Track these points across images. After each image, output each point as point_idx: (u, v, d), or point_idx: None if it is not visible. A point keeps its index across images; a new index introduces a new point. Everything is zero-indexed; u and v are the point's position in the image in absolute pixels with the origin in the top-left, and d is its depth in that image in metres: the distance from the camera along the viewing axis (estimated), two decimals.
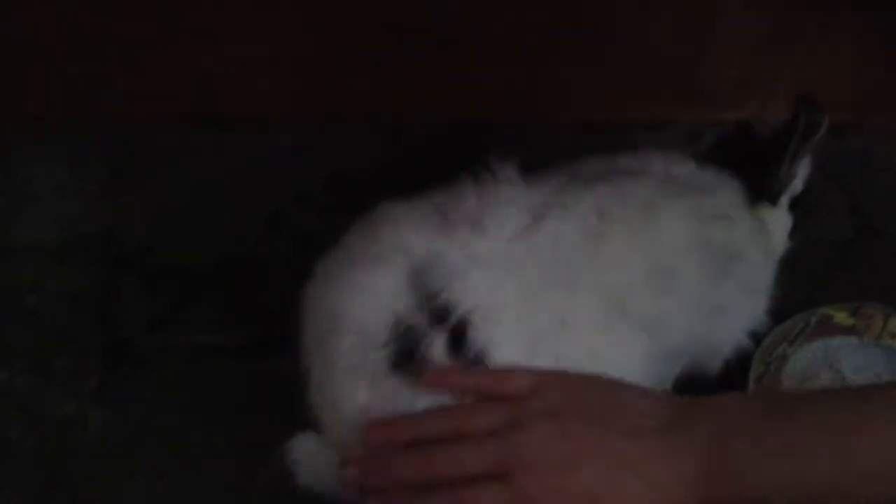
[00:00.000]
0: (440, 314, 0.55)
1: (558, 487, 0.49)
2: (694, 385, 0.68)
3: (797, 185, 0.68)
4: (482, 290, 0.56)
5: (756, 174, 0.65)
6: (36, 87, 0.91)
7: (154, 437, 0.73)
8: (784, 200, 0.68)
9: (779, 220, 0.69)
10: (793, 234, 0.70)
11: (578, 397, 0.53)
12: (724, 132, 0.68)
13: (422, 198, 0.62)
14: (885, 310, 0.83)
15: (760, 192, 0.65)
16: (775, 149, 0.64)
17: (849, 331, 0.83)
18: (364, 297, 0.57)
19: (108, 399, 0.75)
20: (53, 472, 0.71)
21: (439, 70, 0.90)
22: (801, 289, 0.75)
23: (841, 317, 0.83)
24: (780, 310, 0.71)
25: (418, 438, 0.54)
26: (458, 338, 0.55)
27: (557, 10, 0.85)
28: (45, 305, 0.81)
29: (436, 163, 0.62)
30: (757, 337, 0.70)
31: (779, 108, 0.93)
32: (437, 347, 0.55)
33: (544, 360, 0.56)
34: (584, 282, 0.58)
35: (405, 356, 0.55)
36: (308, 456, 0.59)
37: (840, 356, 0.81)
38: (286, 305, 0.61)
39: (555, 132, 0.90)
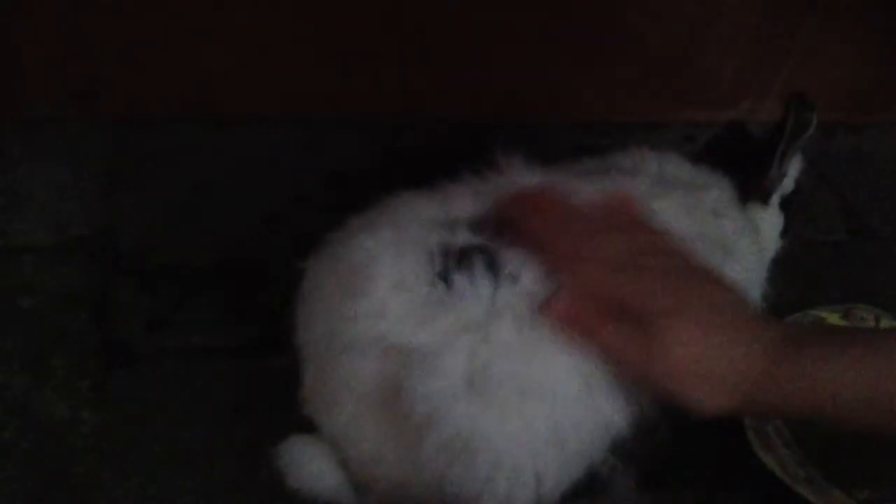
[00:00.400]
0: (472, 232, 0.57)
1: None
2: None
3: (788, 184, 0.69)
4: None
5: (748, 173, 0.66)
6: (34, 86, 0.90)
7: (151, 438, 0.73)
8: (775, 199, 0.68)
9: (770, 219, 0.69)
10: (784, 232, 0.71)
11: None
12: (718, 132, 0.68)
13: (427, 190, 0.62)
14: (875, 311, 0.83)
15: (752, 190, 0.66)
16: (766, 148, 0.65)
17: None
18: (394, 240, 0.57)
19: (105, 400, 0.75)
20: (50, 474, 0.70)
21: (438, 70, 0.90)
22: (793, 289, 0.75)
23: (833, 318, 0.83)
24: (773, 311, 0.71)
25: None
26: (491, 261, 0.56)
27: (555, 12, 0.85)
28: (41, 306, 0.81)
29: (435, 162, 0.62)
30: None
31: (773, 109, 0.95)
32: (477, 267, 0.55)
33: None
34: None
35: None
36: (303, 458, 0.59)
37: None
38: (285, 305, 0.61)
39: (552, 132, 0.90)
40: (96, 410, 0.74)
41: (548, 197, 0.59)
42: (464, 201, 0.60)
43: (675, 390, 0.52)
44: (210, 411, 0.74)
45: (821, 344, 0.52)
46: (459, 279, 0.55)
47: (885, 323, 0.83)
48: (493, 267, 0.55)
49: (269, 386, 0.68)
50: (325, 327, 0.58)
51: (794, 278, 0.75)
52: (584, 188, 0.61)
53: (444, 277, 0.55)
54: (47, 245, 0.85)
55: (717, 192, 0.65)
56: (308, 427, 0.59)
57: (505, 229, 0.57)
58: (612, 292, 0.54)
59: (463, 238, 0.57)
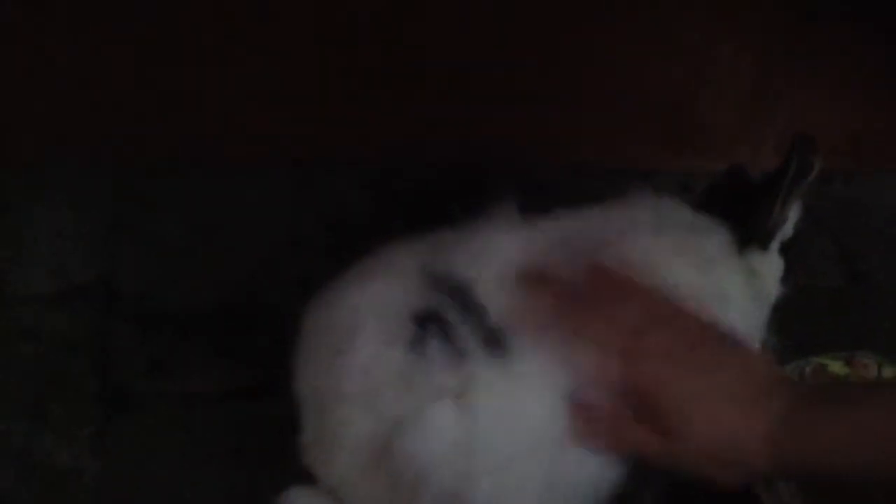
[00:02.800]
0: (459, 294, 0.57)
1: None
2: None
3: (788, 229, 0.69)
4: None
5: (748, 218, 0.66)
6: (35, 131, 0.91)
7: (152, 484, 0.72)
8: (775, 245, 0.68)
9: (770, 265, 0.69)
10: (785, 278, 0.71)
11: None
12: (718, 177, 0.69)
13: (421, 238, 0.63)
14: (878, 359, 0.83)
15: (751, 235, 0.66)
16: (767, 192, 0.65)
17: (844, 381, 0.83)
18: (381, 300, 0.57)
19: (105, 446, 0.75)
20: None
21: (436, 112, 0.91)
22: (793, 337, 0.75)
23: (836, 366, 0.83)
24: (775, 358, 0.71)
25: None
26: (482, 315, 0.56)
27: (551, 57, 0.86)
28: (41, 352, 0.81)
29: (431, 205, 0.63)
30: None
31: (768, 157, 0.96)
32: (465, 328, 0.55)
33: None
34: None
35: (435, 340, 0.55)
36: None
37: None
38: (283, 350, 0.61)
39: (548, 176, 0.91)
40: (96, 457, 0.74)
41: (542, 279, 0.59)
42: (456, 251, 0.60)
43: (702, 470, 0.53)
44: (210, 457, 0.74)
45: (836, 401, 0.53)
46: (433, 345, 0.55)
47: (888, 370, 0.83)
48: (471, 332, 0.56)
49: (268, 431, 0.68)
50: (319, 379, 0.58)
51: (795, 325, 0.74)
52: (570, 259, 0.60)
53: (419, 342, 0.55)
54: (47, 291, 0.85)
55: (716, 237, 0.66)
56: (308, 476, 0.59)
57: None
58: (623, 380, 0.54)
59: (441, 301, 0.57)
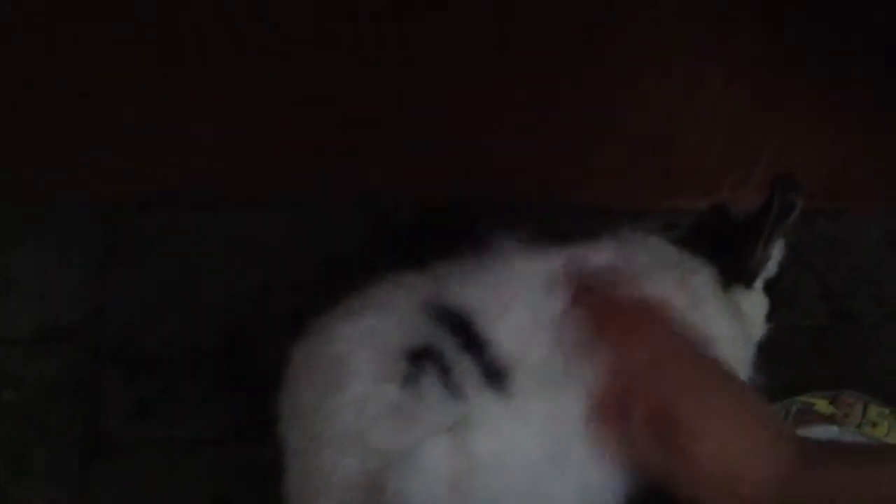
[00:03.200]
0: (457, 328, 0.56)
1: None
2: None
3: (772, 267, 0.69)
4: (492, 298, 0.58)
5: (732, 256, 0.66)
6: (25, 170, 0.91)
7: None
8: (759, 283, 0.69)
9: (755, 303, 0.69)
10: (770, 316, 0.71)
11: None
12: (701, 215, 0.69)
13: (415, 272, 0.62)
14: (863, 397, 0.83)
15: (736, 274, 0.66)
16: (750, 230, 0.65)
17: (829, 419, 0.83)
18: (373, 335, 0.57)
19: (87, 492, 0.74)
20: None
21: (432, 151, 0.91)
22: (779, 376, 0.75)
23: (821, 405, 0.83)
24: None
25: None
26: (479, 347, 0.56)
27: (540, 99, 0.87)
28: (24, 397, 0.80)
29: (426, 241, 0.63)
30: None
31: (752, 196, 0.96)
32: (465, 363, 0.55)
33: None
34: None
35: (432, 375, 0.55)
36: None
37: None
38: (272, 392, 0.60)
39: (539, 215, 0.91)
40: (77, 503, 0.73)
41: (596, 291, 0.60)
42: (451, 284, 0.60)
43: (699, 495, 0.53)
44: (194, 503, 0.73)
45: (836, 457, 0.54)
46: (428, 381, 0.55)
47: (873, 409, 0.83)
48: (469, 368, 0.55)
49: (254, 476, 0.67)
50: (307, 421, 0.57)
51: (781, 364, 0.74)
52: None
53: (413, 378, 0.55)
54: (31, 335, 0.84)
55: (702, 275, 0.66)
56: None
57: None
58: (649, 392, 0.55)
59: (437, 336, 0.56)
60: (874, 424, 0.82)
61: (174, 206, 0.92)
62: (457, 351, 0.56)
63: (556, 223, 0.92)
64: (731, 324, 0.66)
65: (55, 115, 0.85)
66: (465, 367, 0.55)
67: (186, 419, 0.79)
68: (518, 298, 0.59)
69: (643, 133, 0.92)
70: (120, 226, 0.92)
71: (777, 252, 0.68)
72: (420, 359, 0.55)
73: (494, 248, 0.62)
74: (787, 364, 0.82)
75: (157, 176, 0.91)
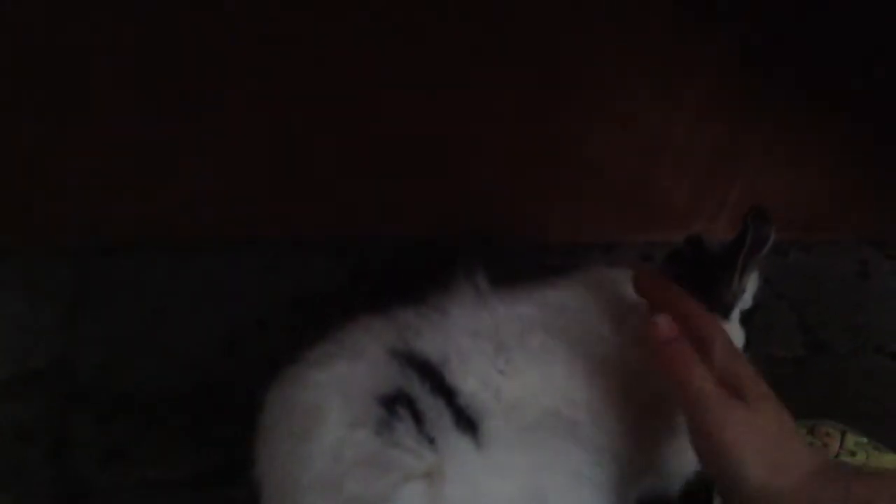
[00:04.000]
0: (427, 374, 0.57)
1: None
2: None
3: (747, 299, 0.69)
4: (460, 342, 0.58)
5: (707, 288, 0.66)
6: None
7: None
8: (735, 315, 0.69)
9: (734, 335, 0.69)
10: (746, 348, 0.71)
11: None
12: (676, 246, 0.70)
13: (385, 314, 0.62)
14: (840, 427, 0.83)
15: (712, 306, 0.66)
16: (724, 264, 0.66)
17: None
18: (346, 381, 0.57)
19: None
20: None
21: (400, 192, 0.91)
22: None
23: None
24: None
25: None
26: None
27: (515, 136, 0.88)
28: None
29: (398, 282, 0.63)
30: None
31: (725, 228, 0.97)
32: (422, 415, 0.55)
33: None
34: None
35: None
36: None
37: None
38: (245, 434, 0.60)
39: (516, 251, 0.92)
40: None
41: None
42: (422, 326, 0.60)
43: (733, 460, 0.54)
44: None
45: (859, 474, 0.57)
46: (401, 427, 0.55)
47: (851, 438, 0.83)
48: (441, 414, 0.56)
49: None
50: (283, 467, 0.57)
51: None
52: None
53: (387, 424, 0.55)
54: (3, 378, 0.83)
55: None
56: None
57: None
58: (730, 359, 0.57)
59: (409, 382, 0.57)
60: (852, 454, 0.82)
61: (142, 249, 0.92)
62: (428, 397, 0.56)
63: (529, 259, 0.92)
64: None
65: (23, 168, 0.85)
66: (436, 413, 0.55)
67: (159, 462, 0.78)
68: (479, 348, 0.60)
69: (616, 167, 0.93)
70: (88, 270, 0.92)
71: (752, 284, 0.69)
72: (393, 404, 0.55)
73: (461, 290, 0.63)
74: None
75: (125, 223, 0.91)
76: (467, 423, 0.56)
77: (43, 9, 0.72)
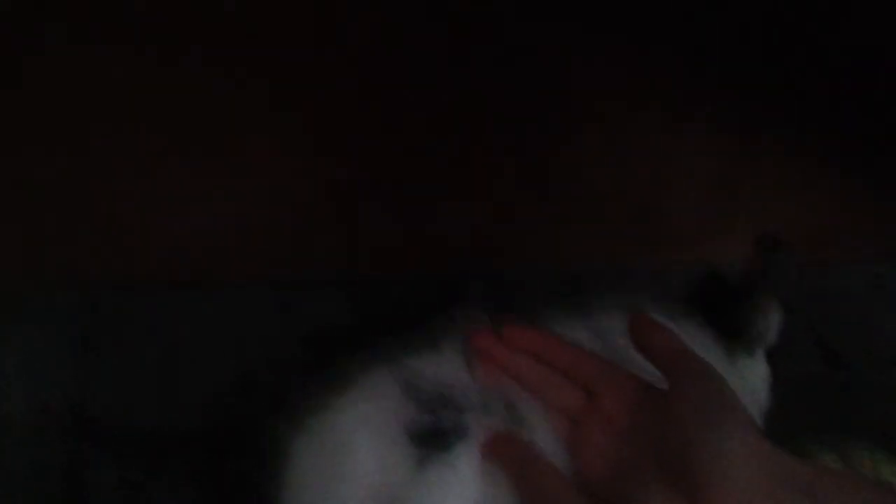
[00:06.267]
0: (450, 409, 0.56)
1: None
2: None
3: (772, 336, 0.68)
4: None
5: (728, 323, 0.65)
6: (6, 258, 0.90)
7: None
8: (760, 350, 0.68)
9: (757, 370, 0.68)
10: (774, 387, 0.70)
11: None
12: (693, 283, 0.69)
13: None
14: (873, 454, 0.82)
15: (735, 342, 0.65)
16: (746, 296, 0.65)
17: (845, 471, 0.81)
18: (374, 420, 0.56)
19: None
20: None
21: (411, 224, 0.92)
22: (781, 426, 0.74)
23: (830, 459, 0.82)
24: None
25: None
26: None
27: (523, 165, 0.88)
28: (10, 482, 0.79)
29: (412, 316, 0.63)
30: None
31: (734, 245, 0.97)
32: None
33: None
34: None
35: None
36: None
37: None
38: (259, 471, 0.59)
39: (526, 280, 0.91)
40: None
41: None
42: (443, 360, 0.59)
43: None
44: None
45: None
46: (435, 465, 0.54)
47: (886, 470, 0.81)
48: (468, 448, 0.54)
49: None
50: None
51: (780, 414, 0.74)
52: None
53: (421, 462, 0.54)
54: (18, 420, 0.83)
55: (710, 344, 0.65)
56: None
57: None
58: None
59: (437, 417, 0.56)
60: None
61: (155, 288, 0.92)
62: (455, 430, 0.55)
63: (541, 286, 0.92)
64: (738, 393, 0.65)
65: (31, 200, 0.85)
66: (465, 447, 0.54)
67: (174, 500, 0.78)
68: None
69: (622, 197, 0.93)
70: (101, 312, 0.92)
71: (775, 316, 0.67)
72: (425, 441, 0.54)
73: (475, 321, 0.62)
74: (785, 412, 0.82)
75: (140, 261, 0.92)
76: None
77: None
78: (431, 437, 0.54)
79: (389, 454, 0.54)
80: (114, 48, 0.73)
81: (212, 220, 0.88)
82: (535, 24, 0.76)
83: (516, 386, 0.57)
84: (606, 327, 0.63)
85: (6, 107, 0.76)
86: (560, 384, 0.57)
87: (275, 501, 0.58)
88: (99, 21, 0.71)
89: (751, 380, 0.68)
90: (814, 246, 1.02)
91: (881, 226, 1.03)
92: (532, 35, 0.76)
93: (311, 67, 0.77)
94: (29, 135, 0.79)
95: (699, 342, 0.64)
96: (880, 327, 1.00)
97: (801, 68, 0.82)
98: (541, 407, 0.56)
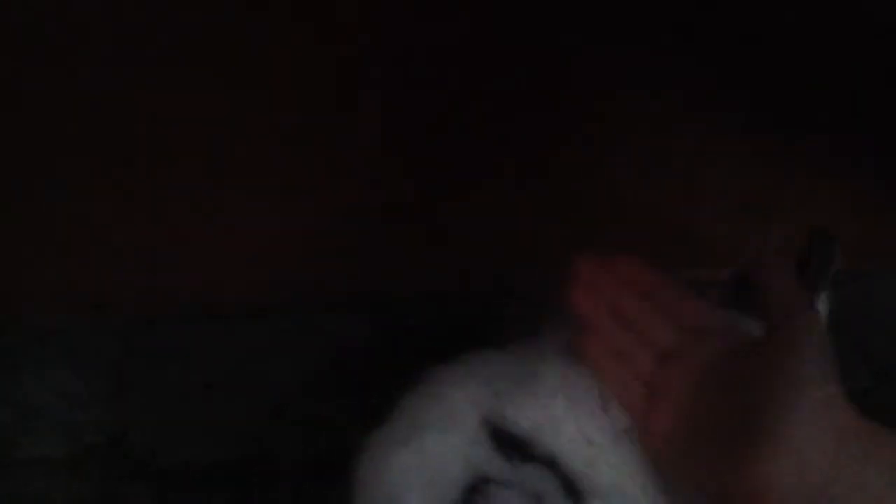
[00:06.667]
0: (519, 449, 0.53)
1: None
2: None
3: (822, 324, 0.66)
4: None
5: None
6: (40, 295, 0.92)
7: None
8: None
9: None
10: None
11: None
12: (733, 280, 0.67)
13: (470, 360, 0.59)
14: None
15: None
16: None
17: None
18: (432, 461, 0.53)
19: None
20: None
21: (440, 247, 0.92)
22: None
23: None
24: None
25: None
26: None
27: (552, 187, 0.88)
28: None
29: (443, 336, 0.61)
30: None
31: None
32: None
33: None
34: None
35: None
36: None
37: None
38: (302, 498, 0.59)
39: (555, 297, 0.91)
40: None
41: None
42: (508, 396, 0.56)
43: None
44: None
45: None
46: None
47: None
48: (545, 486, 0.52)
49: None
50: None
51: None
52: None
53: None
54: (57, 454, 0.84)
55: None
56: None
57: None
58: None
59: (501, 463, 0.53)
60: None
61: (185, 319, 0.93)
62: (519, 478, 0.52)
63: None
64: None
65: (63, 237, 0.87)
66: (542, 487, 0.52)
67: None
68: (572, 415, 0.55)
69: (652, 212, 0.92)
70: (136, 345, 0.93)
71: (823, 307, 0.66)
72: (477, 489, 0.52)
73: (545, 347, 0.59)
74: None
75: (171, 294, 0.92)
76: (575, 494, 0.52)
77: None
78: (486, 487, 0.52)
79: (440, 499, 0.52)
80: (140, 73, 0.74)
81: (240, 250, 0.89)
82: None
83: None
84: None
85: (23, 135, 0.77)
86: (654, 325, 0.56)
87: None
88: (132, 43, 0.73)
89: None
90: (858, 255, 1.00)
91: None
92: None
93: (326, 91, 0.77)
94: (55, 167, 0.80)
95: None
96: None
97: (840, 85, 0.81)
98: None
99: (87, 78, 0.74)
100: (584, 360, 0.56)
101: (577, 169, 0.87)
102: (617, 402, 0.55)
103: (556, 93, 0.79)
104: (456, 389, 0.56)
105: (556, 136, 0.84)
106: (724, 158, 0.88)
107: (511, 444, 0.54)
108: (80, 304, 0.92)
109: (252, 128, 0.80)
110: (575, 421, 0.55)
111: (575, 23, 0.76)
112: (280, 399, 0.88)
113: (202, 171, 0.82)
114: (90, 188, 0.83)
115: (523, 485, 0.52)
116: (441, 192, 0.87)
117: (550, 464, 0.53)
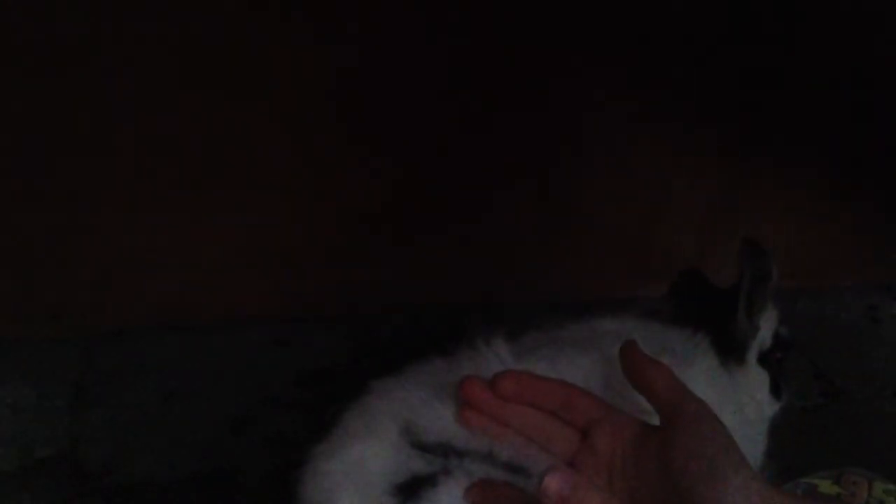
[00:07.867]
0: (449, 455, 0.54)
1: None
2: None
3: (765, 339, 0.68)
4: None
5: (715, 327, 0.64)
6: None
7: None
8: (752, 356, 0.67)
9: (751, 377, 0.68)
10: (776, 391, 0.69)
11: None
12: (674, 282, 0.68)
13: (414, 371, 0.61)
14: (867, 475, 0.82)
15: (725, 347, 0.65)
16: (729, 299, 0.65)
17: (835, 500, 0.81)
18: (360, 467, 0.55)
19: None
20: None
21: (411, 260, 0.92)
22: (779, 458, 0.74)
23: (825, 485, 0.81)
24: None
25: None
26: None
27: (522, 201, 0.88)
28: None
29: (408, 350, 0.62)
30: None
31: (731, 279, 0.97)
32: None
33: None
34: None
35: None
36: None
37: None
38: None
39: (523, 312, 0.91)
40: None
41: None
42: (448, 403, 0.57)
43: None
44: None
45: None
46: None
47: (879, 486, 0.81)
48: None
49: None
50: None
51: (780, 447, 0.74)
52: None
53: None
54: (10, 469, 0.82)
55: (704, 356, 0.64)
56: None
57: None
58: None
59: (426, 466, 0.54)
60: (881, 502, 0.80)
61: (147, 331, 0.92)
62: (445, 479, 0.53)
63: (537, 320, 0.92)
64: (730, 405, 0.64)
65: (26, 250, 0.85)
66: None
67: None
68: None
69: (619, 225, 0.93)
70: (95, 358, 0.91)
71: (768, 322, 0.67)
72: (407, 491, 0.53)
73: (476, 359, 0.60)
74: (787, 446, 0.81)
75: (131, 307, 0.92)
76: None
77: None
78: (418, 486, 0.53)
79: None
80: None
81: (206, 264, 0.88)
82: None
83: (510, 434, 0.56)
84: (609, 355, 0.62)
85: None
86: (552, 429, 0.56)
87: None
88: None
89: (747, 386, 0.68)
90: (809, 277, 1.03)
91: (875, 257, 1.04)
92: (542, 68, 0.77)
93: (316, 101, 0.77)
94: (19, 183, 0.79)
95: (692, 354, 0.64)
96: (878, 357, 1.00)
97: (800, 100, 0.83)
98: (539, 453, 0.55)
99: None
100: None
101: (549, 195, 0.88)
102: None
103: (527, 116, 0.80)
104: (381, 401, 0.59)
105: (528, 167, 0.85)
106: (687, 174, 0.89)
107: (435, 452, 0.55)
108: (39, 315, 0.90)
109: (222, 136, 0.79)
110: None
111: (533, 40, 0.77)
112: (243, 412, 0.87)
113: (167, 184, 0.81)
114: (48, 199, 0.82)
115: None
116: (410, 206, 0.87)
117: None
